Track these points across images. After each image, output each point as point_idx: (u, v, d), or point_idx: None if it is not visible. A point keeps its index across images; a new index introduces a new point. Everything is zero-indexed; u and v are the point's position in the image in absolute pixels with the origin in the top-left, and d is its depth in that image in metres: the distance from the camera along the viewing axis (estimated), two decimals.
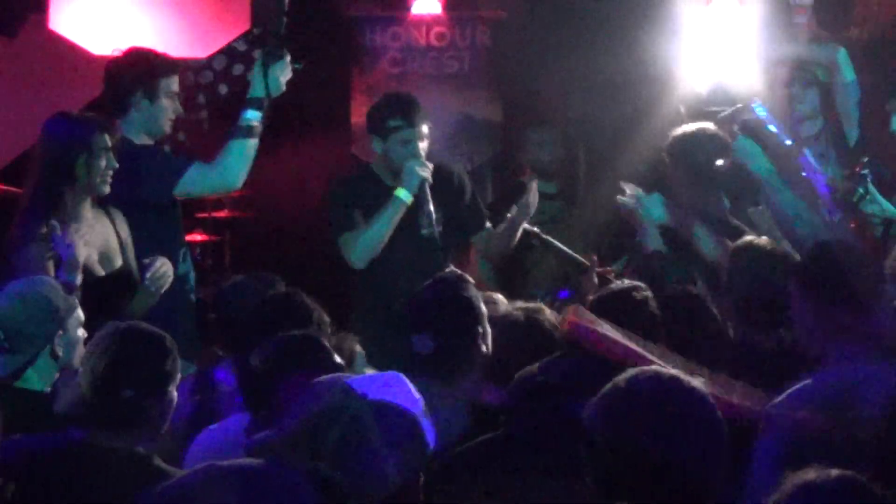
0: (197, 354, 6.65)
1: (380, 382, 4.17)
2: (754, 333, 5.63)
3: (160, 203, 7.02)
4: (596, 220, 9.27)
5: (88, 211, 6.64)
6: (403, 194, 7.12)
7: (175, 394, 4.90)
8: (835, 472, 3.09)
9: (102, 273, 6.68)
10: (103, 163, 6.53)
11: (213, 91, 11.42)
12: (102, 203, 6.72)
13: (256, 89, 6.98)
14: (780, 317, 5.30)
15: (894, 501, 3.18)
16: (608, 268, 7.99)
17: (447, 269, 6.62)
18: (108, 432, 4.68)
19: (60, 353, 5.46)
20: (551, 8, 11.01)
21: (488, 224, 7.83)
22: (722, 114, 7.26)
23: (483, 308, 5.68)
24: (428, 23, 11.35)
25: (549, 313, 5.96)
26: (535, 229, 7.79)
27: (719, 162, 7.50)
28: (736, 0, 9.67)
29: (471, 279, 5.98)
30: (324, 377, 4.13)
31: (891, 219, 7.33)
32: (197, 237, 10.72)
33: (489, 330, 5.56)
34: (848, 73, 8.20)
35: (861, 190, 7.24)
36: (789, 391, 4.45)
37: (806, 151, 6.81)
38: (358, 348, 5.78)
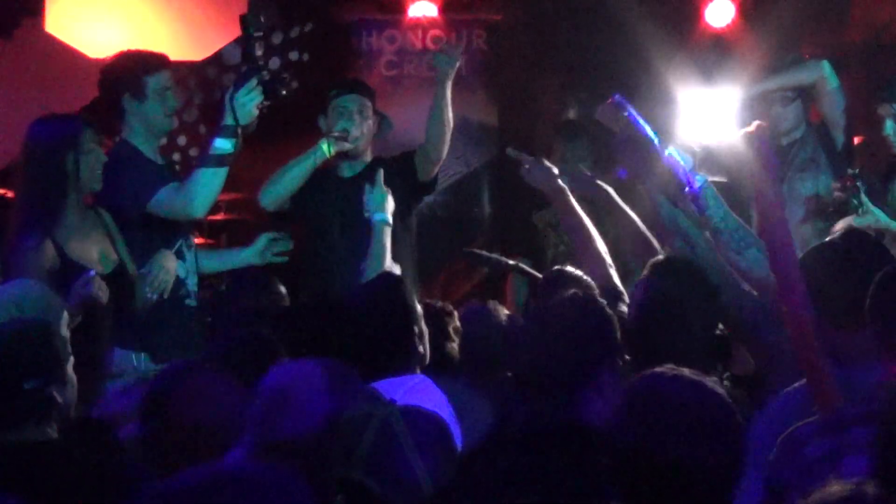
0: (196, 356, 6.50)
1: (408, 387, 4.30)
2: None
3: (136, 214, 6.90)
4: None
5: (80, 210, 6.52)
6: (325, 146, 7.16)
7: (73, 374, 4.72)
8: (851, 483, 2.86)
9: (103, 272, 6.49)
10: (92, 158, 6.42)
11: (208, 94, 11.02)
12: (91, 204, 6.65)
13: (227, 117, 6.74)
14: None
15: None
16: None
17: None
18: (19, 429, 4.41)
19: None
20: (547, 11, 10.94)
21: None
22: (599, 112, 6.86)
23: (418, 308, 5.58)
24: (424, 26, 11.20)
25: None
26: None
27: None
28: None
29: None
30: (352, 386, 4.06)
31: (884, 230, 7.33)
32: (194, 241, 10.53)
33: (425, 330, 5.39)
34: (832, 81, 8.03)
35: (855, 201, 7.31)
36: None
37: (671, 148, 6.46)
38: None
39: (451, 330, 5.94)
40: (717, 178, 7.16)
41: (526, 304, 7.77)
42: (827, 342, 4.64)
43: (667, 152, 6.50)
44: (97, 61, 9.08)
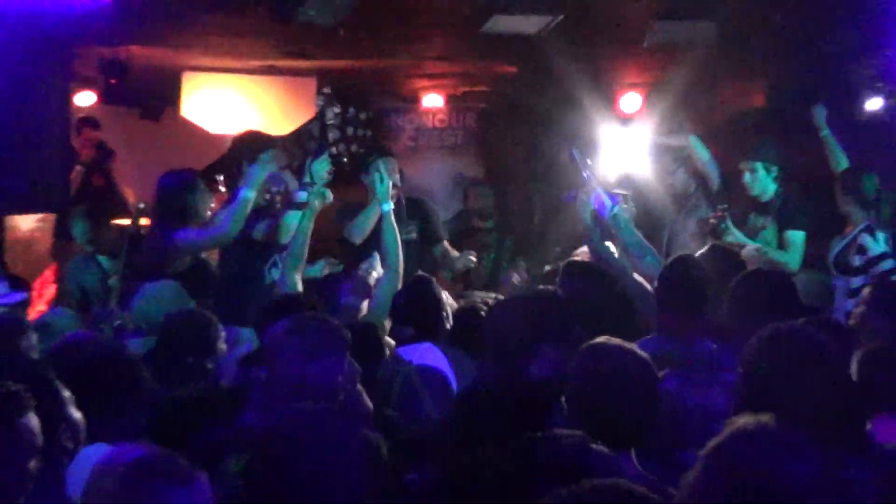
0: None
1: (420, 352, 4.41)
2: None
3: (243, 237, 7.16)
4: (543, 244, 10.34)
5: None
6: (385, 205, 7.31)
7: (223, 347, 5.19)
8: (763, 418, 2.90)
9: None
10: (202, 197, 7.06)
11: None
12: None
13: (306, 177, 7.14)
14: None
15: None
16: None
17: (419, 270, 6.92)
18: (184, 388, 4.70)
19: None
20: (517, 102, 11.72)
21: (445, 244, 8.46)
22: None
23: (444, 299, 5.89)
24: (433, 111, 12.49)
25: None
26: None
27: None
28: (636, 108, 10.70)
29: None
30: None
31: (743, 244, 7.85)
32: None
33: (449, 313, 5.73)
34: (704, 154, 8.61)
35: (724, 225, 7.90)
36: None
37: (599, 189, 6.89)
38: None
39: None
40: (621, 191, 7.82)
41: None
42: (679, 323, 5.03)
43: (596, 191, 7.10)
44: (216, 136, 10.64)
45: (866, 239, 7.53)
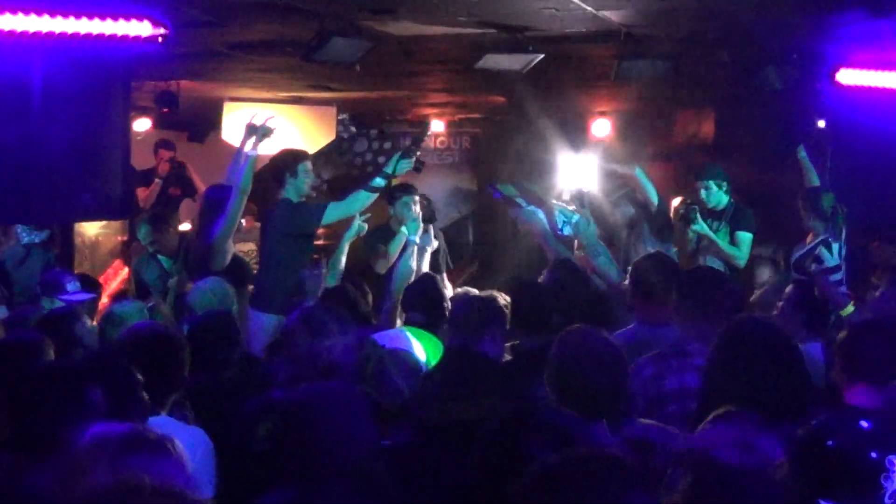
0: None
1: (391, 336, 4.38)
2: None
3: (309, 232, 7.19)
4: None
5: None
6: (410, 236, 7.38)
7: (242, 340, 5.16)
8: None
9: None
10: (238, 207, 6.98)
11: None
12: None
13: (389, 167, 7.27)
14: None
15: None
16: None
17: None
18: (218, 374, 4.71)
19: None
20: (503, 129, 12.07)
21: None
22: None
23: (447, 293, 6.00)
24: (435, 135, 12.63)
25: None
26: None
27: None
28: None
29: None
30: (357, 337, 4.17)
31: (703, 235, 7.87)
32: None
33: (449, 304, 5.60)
34: (648, 185, 8.19)
35: (693, 215, 7.81)
36: None
37: (540, 213, 7.15)
38: None
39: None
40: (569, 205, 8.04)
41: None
42: (653, 313, 5.02)
43: (556, 210, 7.46)
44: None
45: (823, 251, 7.38)
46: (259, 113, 7.39)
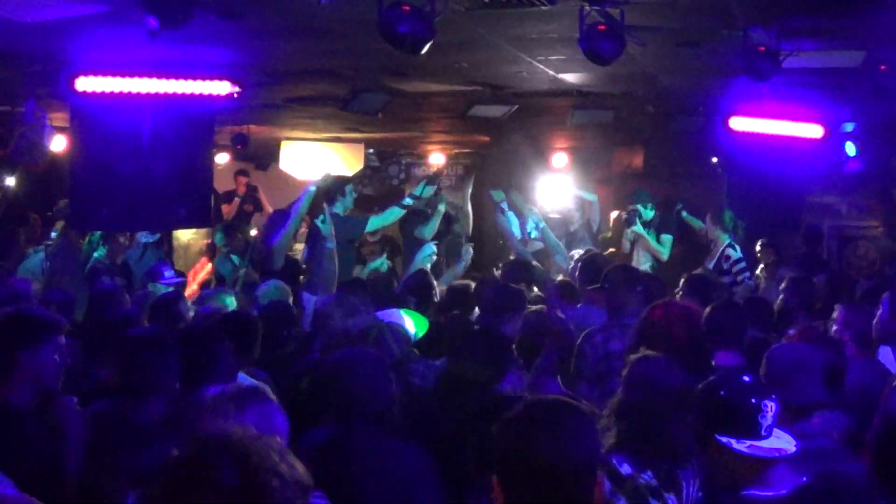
0: None
1: (387, 313, 4.19)
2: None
3: (352, 238, 7.04)
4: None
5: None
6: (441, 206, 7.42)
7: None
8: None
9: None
10: (296, 224, 6.91)
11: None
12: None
13: (417, 190, 7.28)
14: None
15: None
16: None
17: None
18: (282, 350, 4.49)
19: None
20: (488, 159, 11.81)
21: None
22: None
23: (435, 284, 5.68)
24: (438, 165, 12.23)
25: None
26: None
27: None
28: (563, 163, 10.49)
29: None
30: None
31: (638, 234, 7.93)
32: None
33: (437, 292, 5.52)
34: (594, 200, 8.60)
35: (634, 219, 7.92)
36: None
37: (515, 219, 7.24)
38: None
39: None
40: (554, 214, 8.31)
41: None
42: (595, 296, 4.94)
43: (529, 217, 7.42)
44: (301, 181, 9.96)
45: (730, 251, 7.29)
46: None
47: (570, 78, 6.85)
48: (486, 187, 11.08)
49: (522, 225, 7.55)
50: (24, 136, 6.71)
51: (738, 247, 7.40)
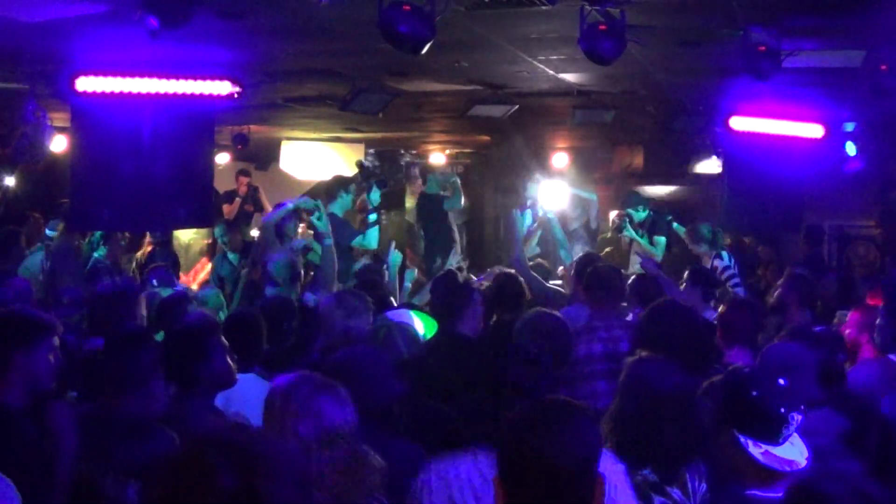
0: None
1: (398, 313, 4.17)
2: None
3: (341, 244, 6.49)
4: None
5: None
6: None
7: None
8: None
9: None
10: (297, 221, 6.78)
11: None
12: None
13: (372, 203, 7.08)
14: None
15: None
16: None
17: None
18: (284, 342, 4.48)
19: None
20: (487, 160, 11.88)
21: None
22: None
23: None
24: (438, 164, 12.05)
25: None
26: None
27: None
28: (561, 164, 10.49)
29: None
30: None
31: (631, 238, 8.03)
32: None
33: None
34: (594, 199, 8.51)
35: (624, 223, 7.90)
36: None
37: (526, 218, 6.99)
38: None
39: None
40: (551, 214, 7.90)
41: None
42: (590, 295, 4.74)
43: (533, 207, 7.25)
44: (301, 181, 10.67)
45: (717, 261, 7.24)
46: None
47: (571, 78, 6.85)
48: (486, 187, 11.49)
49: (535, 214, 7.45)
50: (24, 136, 6.69)
51: (724, 254, 7.37)
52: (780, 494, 2.10)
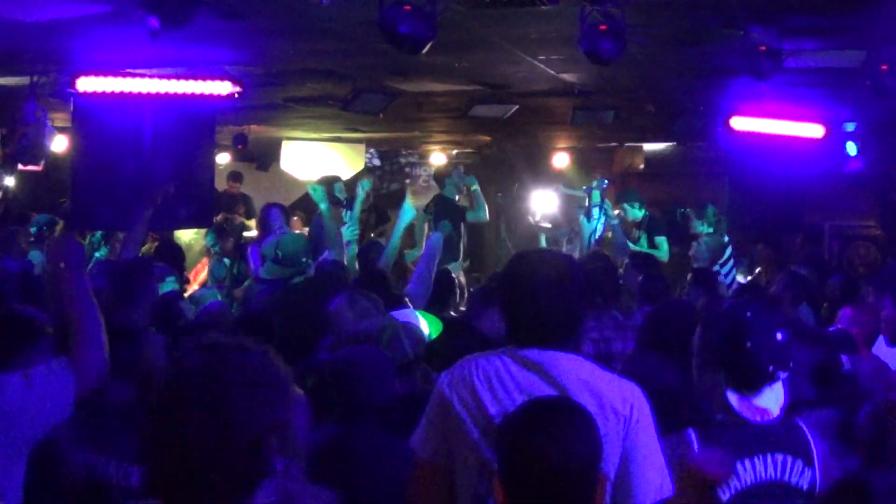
0: None
1: (403, 313, 4.10)
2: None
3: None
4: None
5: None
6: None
7: None
8: None
9: None
10: (289, 220, 6.98)
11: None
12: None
13: (350, 224, 6.54)
14: None
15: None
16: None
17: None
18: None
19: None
20: (487, 159, 11.97)
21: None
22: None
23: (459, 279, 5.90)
24: (439, 164, 11.98)
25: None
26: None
27: None
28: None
29: None
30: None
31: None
32: None
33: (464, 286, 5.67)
34: (597, 198, 8.16)
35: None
36: None
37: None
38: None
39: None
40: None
41: None
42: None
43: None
44: (302, 181, 10.17)
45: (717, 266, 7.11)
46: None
47: (570, 78, 6.86)
48: (487, 188, 11.16)
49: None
50: (24, 136, 6.71)
51: (725, 238, 7.36)
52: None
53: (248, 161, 11.27)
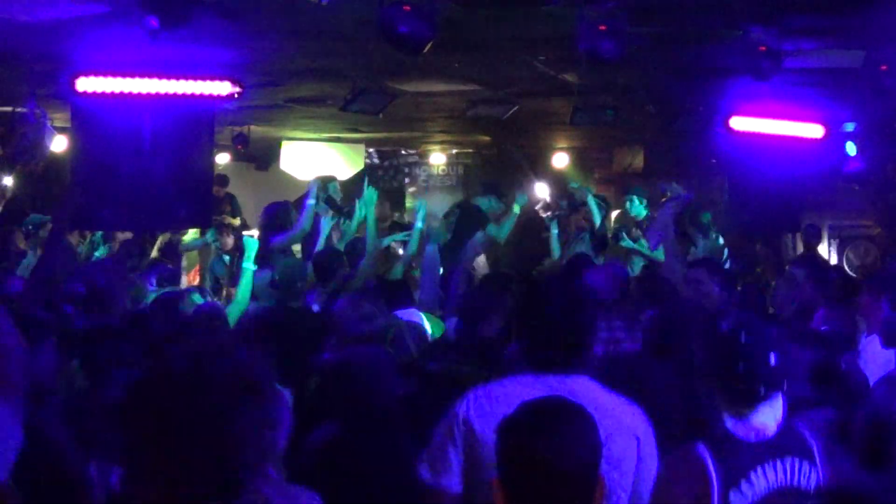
0: None
1: (407, 314, 4.21)
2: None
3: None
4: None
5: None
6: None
7: None
8: None
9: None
10: (292, 219, 6.45)
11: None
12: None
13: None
14: None
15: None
16: None
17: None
18: (297, 300, 4.57)
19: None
20: (488, 159, 11.95)
21: None
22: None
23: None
24: (438, 164, 12.54)
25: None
26: None
27: None
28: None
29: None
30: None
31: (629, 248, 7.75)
32: None
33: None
34: (590, 199, 8.20)
35: (621, 233, 7.89)
36: None
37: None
38: None
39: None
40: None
41: None
42: None
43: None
44: (301, 181, 10.24)
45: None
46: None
47: (571, 77, 6.86)
48: (483, 187, 11.35)
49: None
50: (24, 136, 6.69)
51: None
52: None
53: (247, 161, 11.35)
